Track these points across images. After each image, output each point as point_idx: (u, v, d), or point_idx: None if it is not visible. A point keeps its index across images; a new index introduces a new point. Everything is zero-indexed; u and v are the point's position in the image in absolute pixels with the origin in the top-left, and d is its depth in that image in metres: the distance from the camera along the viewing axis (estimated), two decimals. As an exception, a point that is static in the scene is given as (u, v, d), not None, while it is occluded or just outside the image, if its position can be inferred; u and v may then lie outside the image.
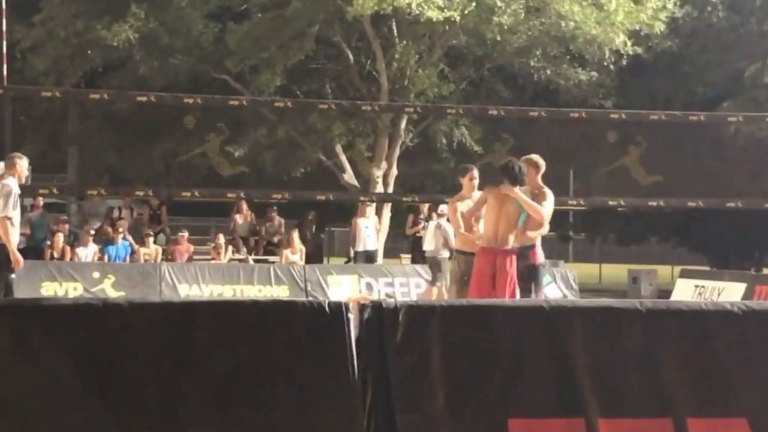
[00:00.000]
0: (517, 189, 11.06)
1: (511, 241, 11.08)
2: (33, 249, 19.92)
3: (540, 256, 11.35)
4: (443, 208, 16.37)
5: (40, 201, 21.70)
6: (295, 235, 22.39)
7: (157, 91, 21.31)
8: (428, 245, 17.67)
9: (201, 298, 16.55)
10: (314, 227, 25.03)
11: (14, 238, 12.18)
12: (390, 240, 25.98)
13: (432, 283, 17.60)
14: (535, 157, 11.64)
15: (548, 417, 5.51)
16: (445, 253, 16.72)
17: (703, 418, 5.60)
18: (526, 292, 11.08)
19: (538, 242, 11.36)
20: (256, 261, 21.87)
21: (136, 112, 24.00)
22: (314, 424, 5.30)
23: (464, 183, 12.45)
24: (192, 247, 22.27)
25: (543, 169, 11.61)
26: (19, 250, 12.46)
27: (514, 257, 11.08)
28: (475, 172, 12.47)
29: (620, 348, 5.64)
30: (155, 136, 25.27)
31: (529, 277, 11.19)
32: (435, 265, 17.44)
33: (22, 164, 12.47)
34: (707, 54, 27.28)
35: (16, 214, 12.10)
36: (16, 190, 12.13)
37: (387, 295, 10.88)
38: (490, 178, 12.06)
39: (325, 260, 29.86)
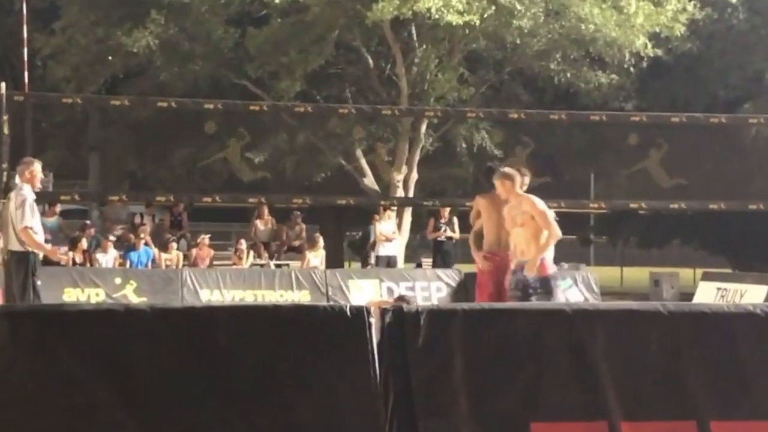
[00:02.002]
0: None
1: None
2: (49, 255, 19.90)
3: (549, 267, 10.80)
4: None
5: (57, 207, 21.63)
6: (320, 236, 22.47)
7: (177, 96, 21.33)
8: None
9: (223, 304, 16.55)
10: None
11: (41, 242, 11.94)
12: (411, 244, 25.95)
13: None
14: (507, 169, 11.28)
15: (571, 421, 5.49)
16: None
17: (727, 421, 5.58)
18: None
19: (548, 254, 10.80)
20: (277, 266, 21.87)
21: (156, 118, 24.15)
22: (336, 429, 5.30)
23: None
24: (212, 252, 22.27)
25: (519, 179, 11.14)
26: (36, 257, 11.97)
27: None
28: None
29: (643, 351, 5.62)
30: (176, 142, 25.38)
31: (543, 290, 10.93)
32: None
33: (33, 169, 11.92)
34: (727, 56, 27.15)
35: (36, 222, 11.73)
36: (31, 197, 11.70)
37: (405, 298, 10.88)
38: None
39: (345, 264, 29.89)
